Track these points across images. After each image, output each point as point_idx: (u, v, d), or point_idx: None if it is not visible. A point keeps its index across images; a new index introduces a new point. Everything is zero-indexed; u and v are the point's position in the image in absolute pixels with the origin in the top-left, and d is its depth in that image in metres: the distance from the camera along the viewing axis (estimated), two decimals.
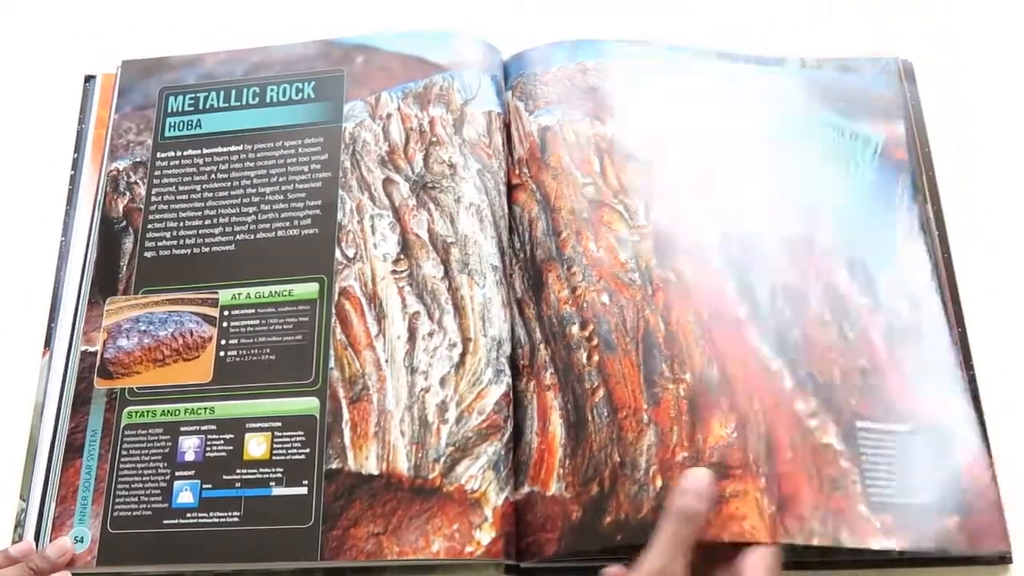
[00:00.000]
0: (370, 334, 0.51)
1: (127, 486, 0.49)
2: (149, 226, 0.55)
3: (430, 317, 0.51)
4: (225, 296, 0.53)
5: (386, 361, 0.50)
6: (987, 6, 0.62)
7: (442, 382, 0.50)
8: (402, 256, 0.53)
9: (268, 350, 0.52)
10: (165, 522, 0.48)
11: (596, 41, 0.57)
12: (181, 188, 0.56)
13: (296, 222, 0.54)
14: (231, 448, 0.50)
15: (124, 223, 0.56)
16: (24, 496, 0.50)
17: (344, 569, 0.48)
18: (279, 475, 0.49)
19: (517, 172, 0.55)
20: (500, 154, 0.55)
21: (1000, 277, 0.54)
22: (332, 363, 0.51)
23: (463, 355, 0.50)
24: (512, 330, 0.51)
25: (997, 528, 0.45)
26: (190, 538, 0.48)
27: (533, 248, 0.52)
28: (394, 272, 0.52)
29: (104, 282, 0.54)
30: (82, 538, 0.48)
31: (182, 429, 0.50)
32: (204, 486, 0.49)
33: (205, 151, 0.57)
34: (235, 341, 0.52)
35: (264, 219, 0.55)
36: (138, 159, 0.58)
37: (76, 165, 0.59)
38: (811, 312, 0.49)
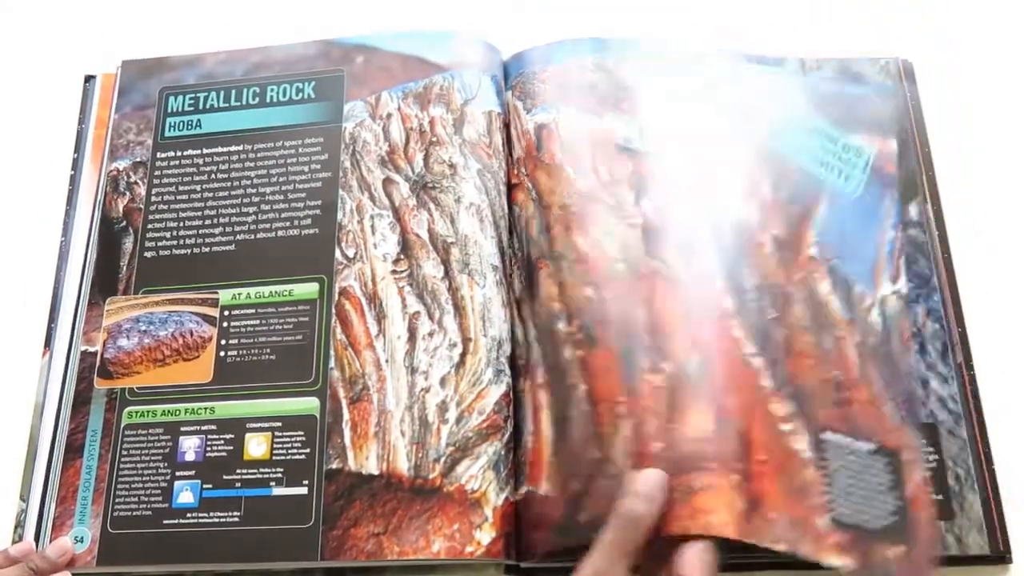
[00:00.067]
0: (370, 334, 0.51)
1: (127, 486, 0.49)
2: (149, 226, 0.55)
3: (430, 317, 0.51)
4: (225, 296, 0.53)
5: (386, 361, 0.50)
6: (987, 6, 0.62)
7: (442, 382, 0.50)
8: (402, 256, 0.53)
9: (268, 350, 0.52)
10: (165, 522, 0.48)
11: (596, 39, 0.57)
12: (181, 188, 0.56)
13: (296, 222, 0.54)
14: (231, 448, 0.50)
15: (124, 223, 0.56)
16: (24, 496, 0.50)
17: (344, 569, 0.48)
18: (279, 475, 0.49)
19: (516, 172, 0.55)
20: (500, 154, 0.55)
21: (1000, 277, 0.54)
22: (332, 363, 0.51)
23: (463, 355, 0.50)
24: (512, 330, 0.51)
25: (933, 562, 0.44)
26: (190, 538, 0.48)
27: (528, 247, 0.52)
28: (394, 272, 0.52)
29: (104, 282, 0.54)
30: (82, 538, 0.48)
31: (182, 429, 0.50)
32: (204, 486, 0.49)
33: (205, 151, 0.57)
34: (235, 341, 0.52)
35: (264, 219, 0.55)
36: (138, 159, 0.58)
37: (76, 165, 0.59)
38: (794, 315, 0.49)
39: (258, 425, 0.50)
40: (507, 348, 0.50)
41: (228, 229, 0.55)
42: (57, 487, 0.50)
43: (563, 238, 0.51)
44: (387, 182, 0.55)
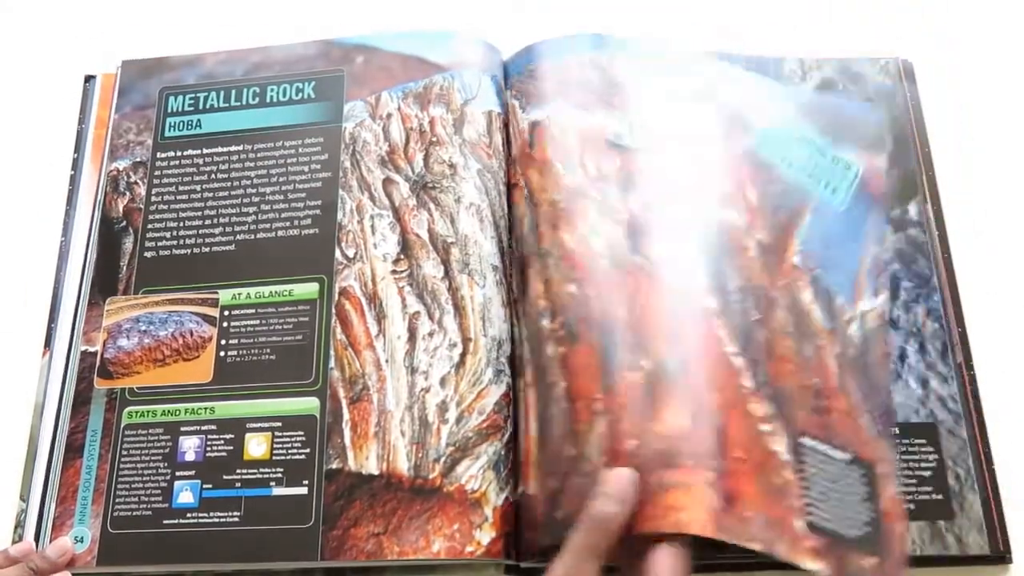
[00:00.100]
0: (370, 334, 0.51)
1: (127, 486, 0.49)
2: (149, 226, 0.55)
3: (430, 317, 0.51)
4: (225, 296, 0.53)
5: (386, 361, 0.50)
6: (987, 6, 0.62)
7: (442, 382, 0.50)
8: (402, 256, 0.53)
9: (268, 350, 0.52)
10: (165, 522, 0.48)
11: (596, 36, 0.57)
12: (181, 188, 0.56)
13: (296, 222, 0.54)
14: (231, 448, 0.50)
15: (124, 223, 0.56)
16: (24, 496, 0.50)
17: (344, 569, 0.48)
18: (279, 475, 0.49)
19: (514, 171, 0.54)
20: (500, 154, 0.55)
21: (1000, 277, 0.54)
22: (332, 363, 0.51)
23: (463, 355, 0.50)
24: (511, 330, 0.51)
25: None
26: (190, 538, 0.48)
27: (521, 245, 0.52)
28: (394, 272, 0.52)
29: (104, 282, 0.54)
30: (82, 538, 0.48)
31: (182, 429, 0.50)
32: (204, 486, 0.49)
33: (205, 151, 0.57)
34: (235, 341, 0.52)
35: (264, 219, 0.55)
36: (138, 159, 0.58)
37: (76, 165, 0.59)
38: (777, 319, 0.48)
39: (258, 425, 0.50)
40: (507, 348, 0.50)
41: (228, 229, 0.55)
42: (57, 487, 0.50)
43: (550, 235, 0.51)
44: (387, 182, 0.55)
